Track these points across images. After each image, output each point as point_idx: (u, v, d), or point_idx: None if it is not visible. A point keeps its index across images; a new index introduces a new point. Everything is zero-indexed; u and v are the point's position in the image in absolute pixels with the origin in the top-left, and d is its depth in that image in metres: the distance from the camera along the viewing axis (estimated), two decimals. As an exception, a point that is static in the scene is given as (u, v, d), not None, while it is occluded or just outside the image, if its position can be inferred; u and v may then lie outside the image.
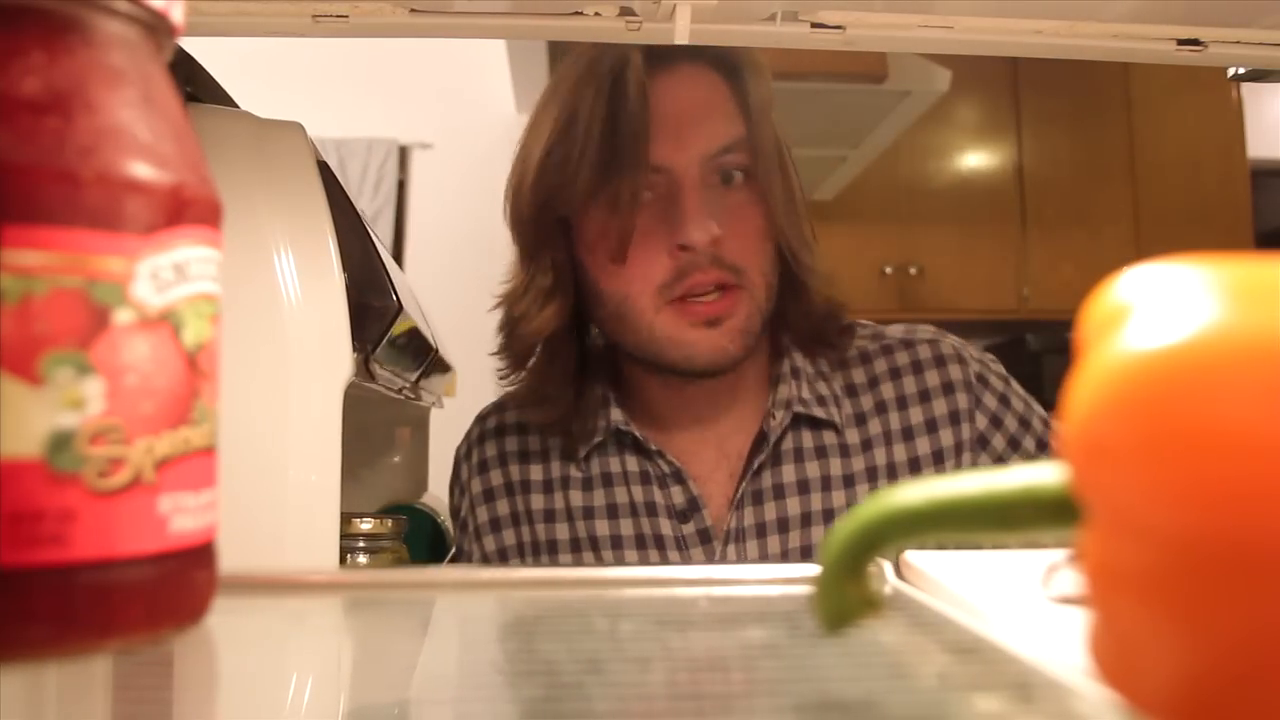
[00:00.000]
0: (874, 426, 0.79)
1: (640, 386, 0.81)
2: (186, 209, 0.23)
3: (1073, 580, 0.30)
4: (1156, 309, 0.19)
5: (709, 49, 0.75)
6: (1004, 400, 0.80)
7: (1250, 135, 3.08)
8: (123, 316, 0.22)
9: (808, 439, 0.78)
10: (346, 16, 0.59)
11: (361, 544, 0.68)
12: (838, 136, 2.30)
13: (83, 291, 0.21)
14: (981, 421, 0.79)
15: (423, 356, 0.85)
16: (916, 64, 1.97)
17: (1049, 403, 0.24)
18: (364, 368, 0.62)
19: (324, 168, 0.57)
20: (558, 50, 2.84)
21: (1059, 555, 0.32)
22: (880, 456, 0.78)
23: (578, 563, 0.78)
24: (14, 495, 0.20)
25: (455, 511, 0.85)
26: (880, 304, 2.83)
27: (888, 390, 0.80)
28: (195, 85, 0.61)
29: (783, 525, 0.76)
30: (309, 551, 0.51)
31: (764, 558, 0.76)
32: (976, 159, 3.06)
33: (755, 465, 0.77)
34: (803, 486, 0.77)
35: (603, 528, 0.78)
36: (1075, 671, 0.25)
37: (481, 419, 0.86)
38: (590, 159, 0.72)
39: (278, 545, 0.51)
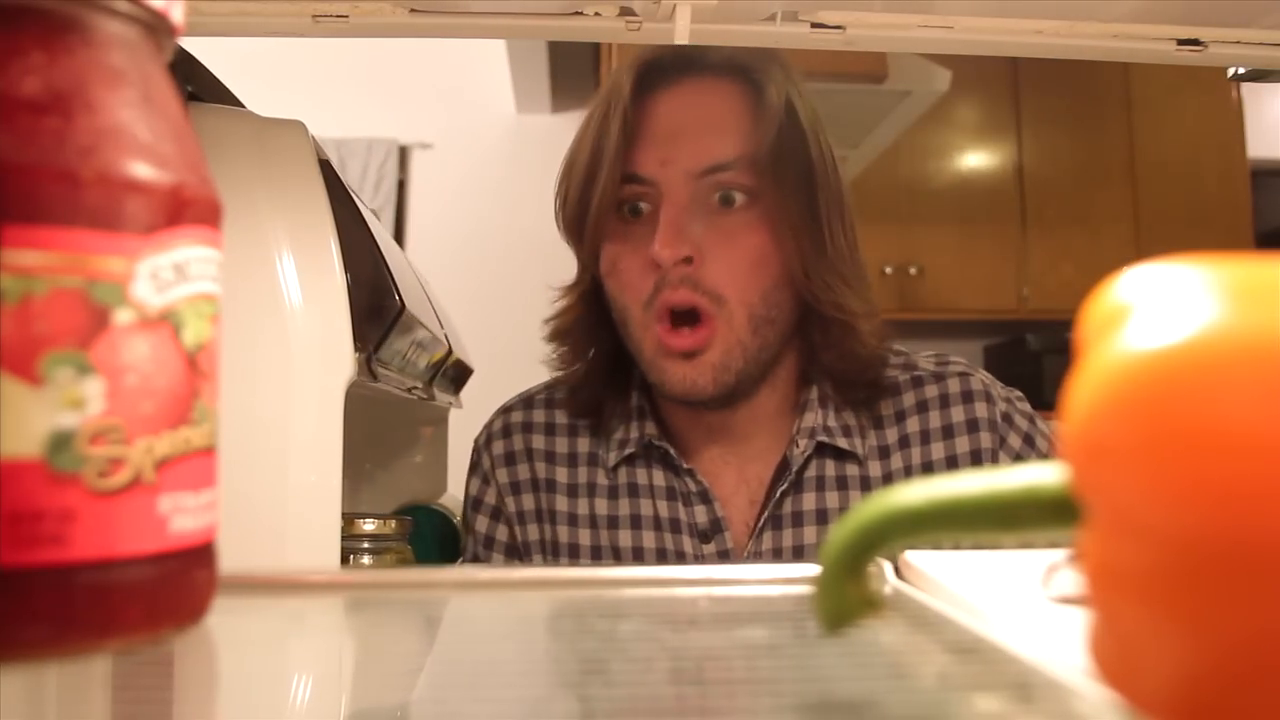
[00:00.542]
0: (896, 461, 0.78)
1: (662, 403, 0.80)
2: (186, 209, 0.23)
3: (1073, 580, 0.30)
4: (1156, 309, 0.19)
5: (742, 62, 0.75)
6: (1029, 441, 0.79)
7: (1250, 135, 3.08)
8: (123, 316, 0.22)
9: (830, 468, 0.77)
10: (346, 16, 0.59)
11: (365, 545, 0.68)
12: (838, 136, 2.29)
13: (83, 291, 0.21)
14: (1005, 461, 0.78)
15: (438, 366, 0.84)
16: (916, 64, 1.97)
17: (1049, 403, 0.24)
18: (366, 367, 0.62)
19: (326, 166, 0.57)
20: (558, 50, 2.84)
21: (1059, 555, 0.32)
22: None
23: None
24: (14, 495, 0.20)
25: (476, 501, 0.84)
26: (880, 304, 2.83)
27: (913, 424, 0.79)
28: (196, 84, 0.61)
29: (798, 554, 0.75)
30: (310, 551, 0.51)
31: None
32: (976, 159, 3.06)
33: (778, 493, 0.76)
34: (821, 516, 0.76)
35: (625, 538, 0.78)
36: (1075, 671, 0.25)
37: (506, 411, 0.85)
38: (580, 171, 0.74)
39: (278, 545, 0.51)
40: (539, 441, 0.82)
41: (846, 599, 0.24)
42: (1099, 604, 0.19)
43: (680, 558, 0.77)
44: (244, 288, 0.51)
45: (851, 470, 0.78)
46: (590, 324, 0.80)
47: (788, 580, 0.40)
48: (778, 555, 0.76)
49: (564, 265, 0.83)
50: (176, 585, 0.23)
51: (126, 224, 0.22)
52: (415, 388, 0.81)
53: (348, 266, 0.54)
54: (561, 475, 0.81)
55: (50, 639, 0.21)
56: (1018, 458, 0.78)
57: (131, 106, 0.23)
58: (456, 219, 3.24)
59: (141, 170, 0.22)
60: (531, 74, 3.04)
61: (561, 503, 0.80)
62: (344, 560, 0.64)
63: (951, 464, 0.78)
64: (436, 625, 0.39)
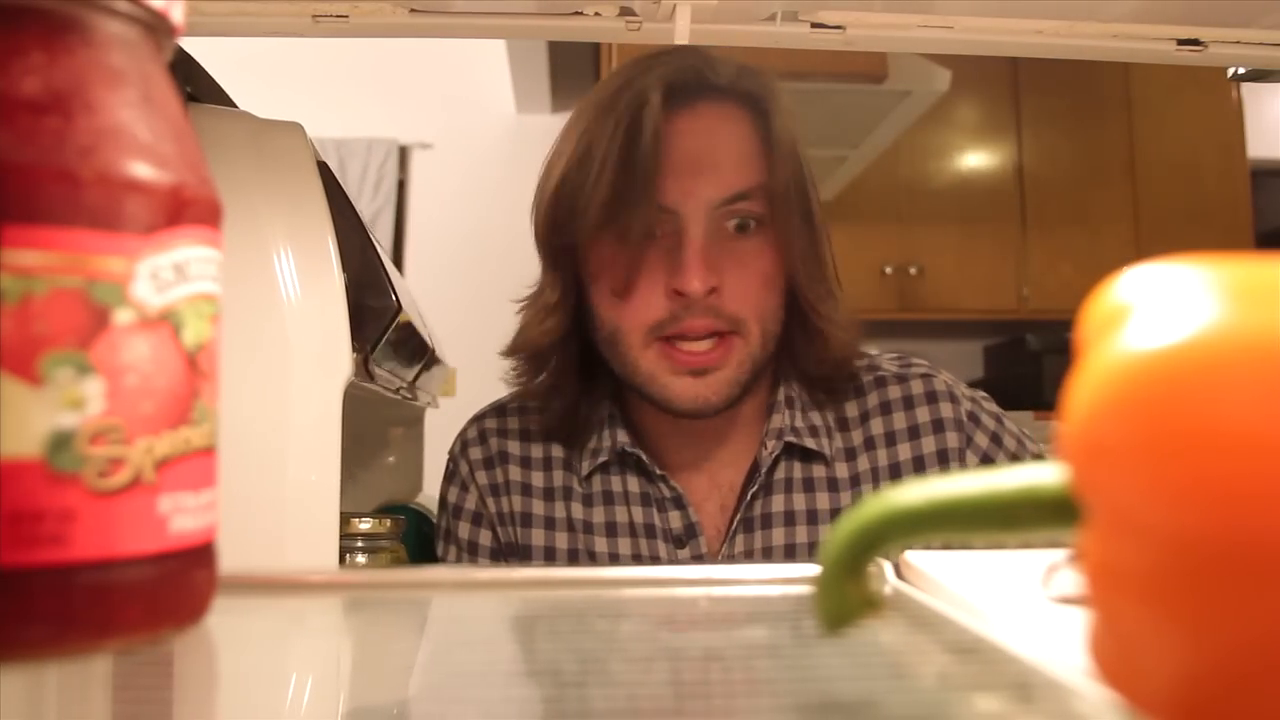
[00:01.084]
0: (862, 463, 0.79)
1: (636, 410, 0.81)
2: (186, 209, 0.23)
3: (1073, 580, 0.30)
4: (1156, 309, 0.19)
5: (738, 87, 0.75)
6: (996, 439, 0.79)
7: (1250, 135, 3.08)
8: (123, 316, 0.22)
9: (798, 470, 0.78)
10: (346, 16, 0.59)
11: (360, 544, 0.68)
12: (838, 136, 2.30)
13: (83, 291, 0.21)
14: (973, 460, 0.78)
15: (420, 354, 0.84)
16: (916, 64, 1.97)
17: (1049, 403, 0.24)
18: (363, 368, 0.62)
19: (323, 168, 0.57)
20: (558, 51, 2.84)
21: (1059, 555, 0.32)
22: (867, 494, 0.78)
23: None
24: (14, 495, 0.20)
25: (456, 508, 0.84)
26: (880, 304, 2.84)
27: (877, 426, 0.80)
28: (195, 85, 0.61)
29: (768, 555, 0.76)
30: (309, 551, 0.51)
31: None
32: (976, 159, 3.06)
33: (749, 495, 0.77)
34: (789, 518, 0.77)
35: (601, 544, 0.79)
36: (1075, 671, 0.25)
37: (479, 419, 0.85)
38: (601, 194, 0.72)
39: (278, 545, 0.51)
40: (514, 447, 0.83)
41: (846, 599, 0.24)
42: (1099, 604, 0.19)
43: (655, 563, 0.77)
44: (243, 288, 0.51)
45: (819, 471, 0.78)
46: (566, 340, 0.79)
47: (787, 580, 0.40)
48: (749, 557, 0.76)
49: (563, 266, 0.83)
50: (176, 585, 0.23)
51: (126, 224, 0.22)
52: (402, 387, 0.81)
53: (345, 267, 0.54)
54: (538, 479, 0.81)
55: (50, 639, 0.21)
56: (985, 457, 0.79)
57: (131, 106, 0.23)
58: (456, 219, 3.24)
59: (141, 170, 0.22)
60: (531, 74, 3.04)
61: (538, 506, 0.81)
62: (339, 559, 0.64)
63: (919, 464, 0.78)
64: (435, 625, 0.39)
